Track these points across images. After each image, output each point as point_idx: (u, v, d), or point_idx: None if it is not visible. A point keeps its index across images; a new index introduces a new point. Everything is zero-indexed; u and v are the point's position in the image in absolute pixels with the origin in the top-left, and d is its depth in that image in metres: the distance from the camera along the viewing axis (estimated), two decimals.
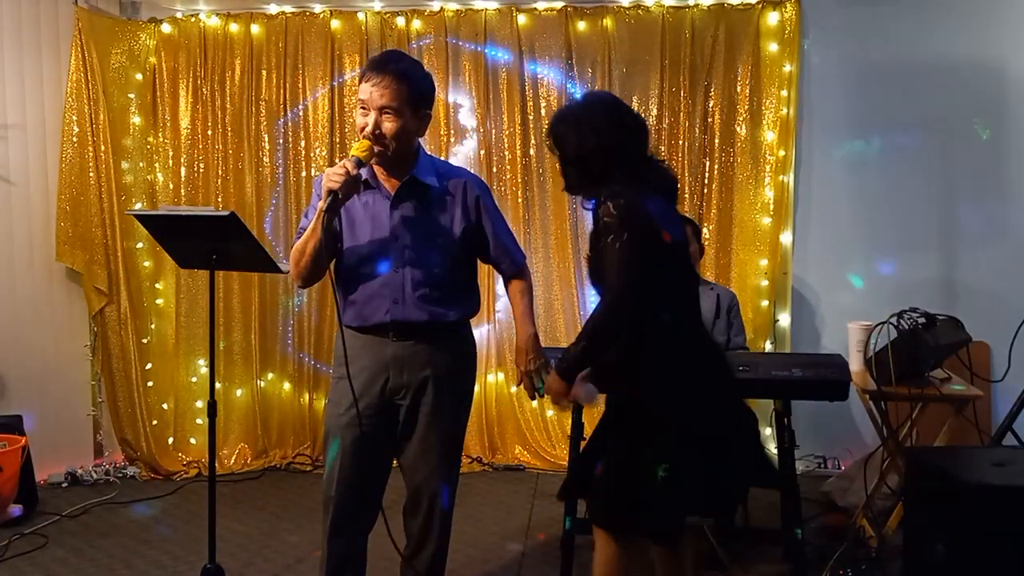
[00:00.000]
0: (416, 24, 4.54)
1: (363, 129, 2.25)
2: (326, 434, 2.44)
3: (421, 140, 2.46)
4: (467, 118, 4.57)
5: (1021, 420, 3.20)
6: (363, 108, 2.26)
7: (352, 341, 2.36)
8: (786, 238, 4.43)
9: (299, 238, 2.33)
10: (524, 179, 4.54)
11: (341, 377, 2.35)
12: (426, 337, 2.36)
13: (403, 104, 2.24)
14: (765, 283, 4.40)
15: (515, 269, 2.52)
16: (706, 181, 4.45)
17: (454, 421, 2.44)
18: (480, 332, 4.59)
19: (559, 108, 2.59)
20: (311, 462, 4.55)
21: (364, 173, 2.31)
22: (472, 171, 4.53)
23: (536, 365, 2.45)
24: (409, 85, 2.25)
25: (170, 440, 4.63)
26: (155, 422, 4.58)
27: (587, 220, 4.53)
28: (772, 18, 4.38)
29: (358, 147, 2.25)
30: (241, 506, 3.99)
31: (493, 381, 4.62)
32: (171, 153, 4.64)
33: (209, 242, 2.81)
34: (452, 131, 4.56)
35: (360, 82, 2.28)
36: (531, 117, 4.54)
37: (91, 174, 4.38)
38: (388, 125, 2.24)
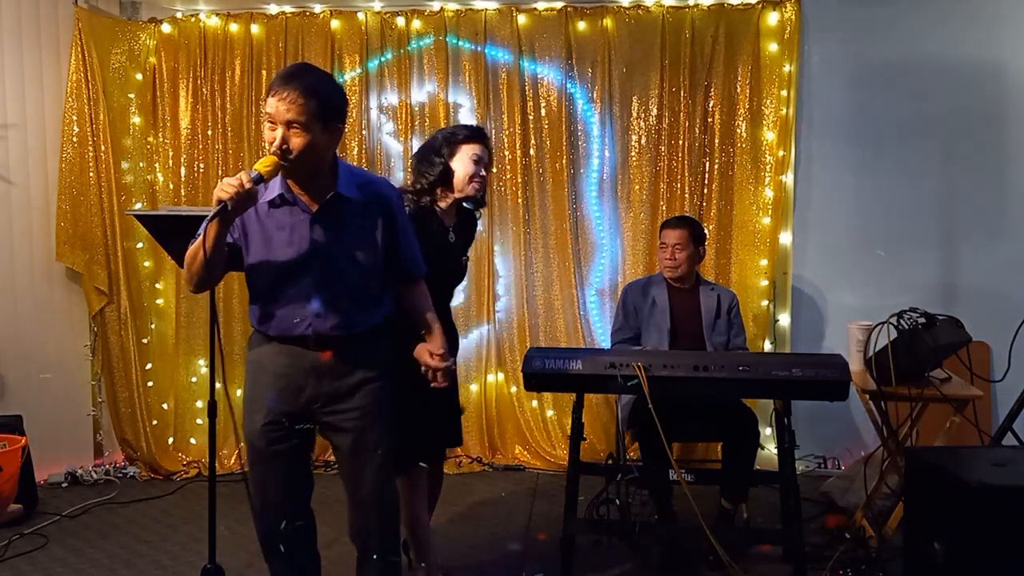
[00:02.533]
0: (416, 24, 4.54)
1: (271, 142, 2.20)
2: (247, 442, 2.44)
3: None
4: (467, 118, 4.56)
5: (1021, 420, 3.20)
6: (270, 122, 2.19)
7: (269, 347, 2.37)
8: (786, 238, 4.43)
9: (194, 241, 2.25)
10: (524, 179, 4.54)
11: (254, 383, 2.40)
12: (346, 347, 2.35)
13: (311, 119, 2.18)
14: (765, 283, 4.40)
15: (420, 277, 2.56)
16: (706, 181, 4.45)
17: (383, 422, 2.41)
18: (480, 332, 4.60)
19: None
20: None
21: (278, 187, 2.28)
22: None
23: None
24: (317, 99, 2.18)
25: (170, 440, 4.63)
26: (155, 422, 4.58)
27: (588, 220, 4.56)
28: (772, 18, 4.38)
29: (262, 162, 2.19)
30: (241, 506, 3.97)
31: (493, 381, 4.61)
32: (171, 153, 4.64)
33: None
34: None
35: (266, 96, 2.22)
36: (531, 117, 4.53)
37: (91, 174, 4.39)
38: (296, 140, 2.18)
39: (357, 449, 2.40)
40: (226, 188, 2.11)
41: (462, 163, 2.85)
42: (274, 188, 2.30)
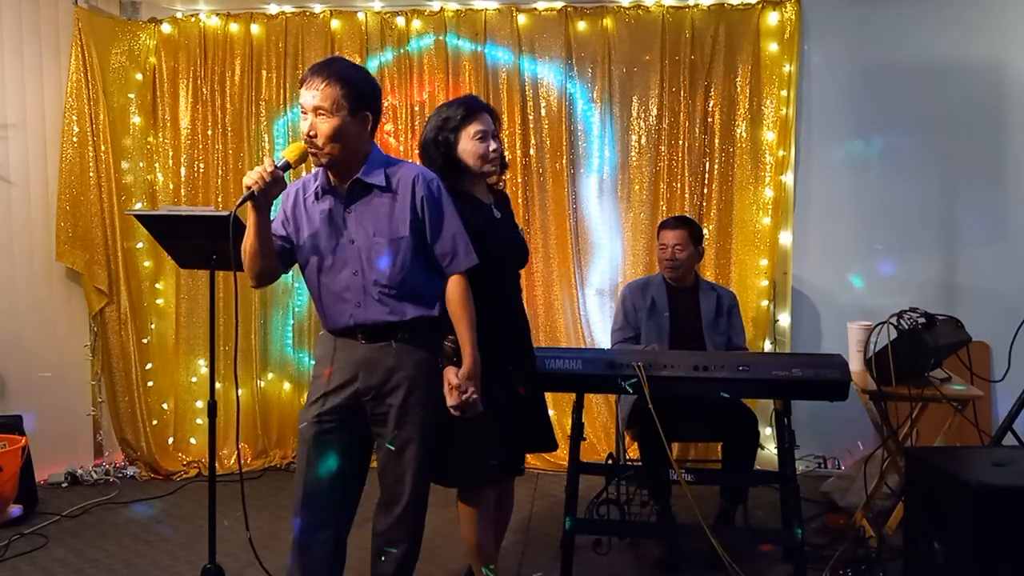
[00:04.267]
0: (416, 24, 4.55)
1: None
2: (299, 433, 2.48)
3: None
4: None
5: (1021, 420, 3.20)
6: (304, 113, 2.29)
7: (329, 342, 2.43)
8: (786, 238, 4.43)
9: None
10: (524, 179, 4.54)
11: (316, 376, 2.45)
12: (395, 338, 2.37)
13: (336, 105, 2.25)
14: (765, 283, 4.40)
15: (458, 270, 2.41)
16: (706, 181, 4.45)
17: (424, 421, 2.41)
18: None
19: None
20: None
21: (320, 179, 2.36)
22: None
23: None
24: (343, 85, 2.25)
25: (170, 440, 4.63)
26: (155, 422, 4.58)
27: (588, 220, 4.55)
28: (772, 18, 4.38)
29: (288, 149, 2.30)
30: (241, 506, 3.98)
31: None
32: (171, 153, 4.64)
33: (209, 242, 2.81)
34: None
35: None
36: (531, 117, 4.54)
37: (91, 174, 4.39)
38: (322, 126, 2.25)
39: (399, 446, 2.40)
40: (252, 175, 2.20)
41: (468, 149, 2.61)
42: (319, 181, 2.38)
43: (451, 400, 2.39)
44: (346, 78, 2.27)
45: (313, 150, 2.28)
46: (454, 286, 2.40)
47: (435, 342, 2.44)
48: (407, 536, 2.46)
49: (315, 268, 2.39)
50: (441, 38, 4.53)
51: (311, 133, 2.26)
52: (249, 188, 2.19)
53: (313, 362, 2.54)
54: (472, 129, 2.61)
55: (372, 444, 2.48)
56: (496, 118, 2.72)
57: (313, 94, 2.25)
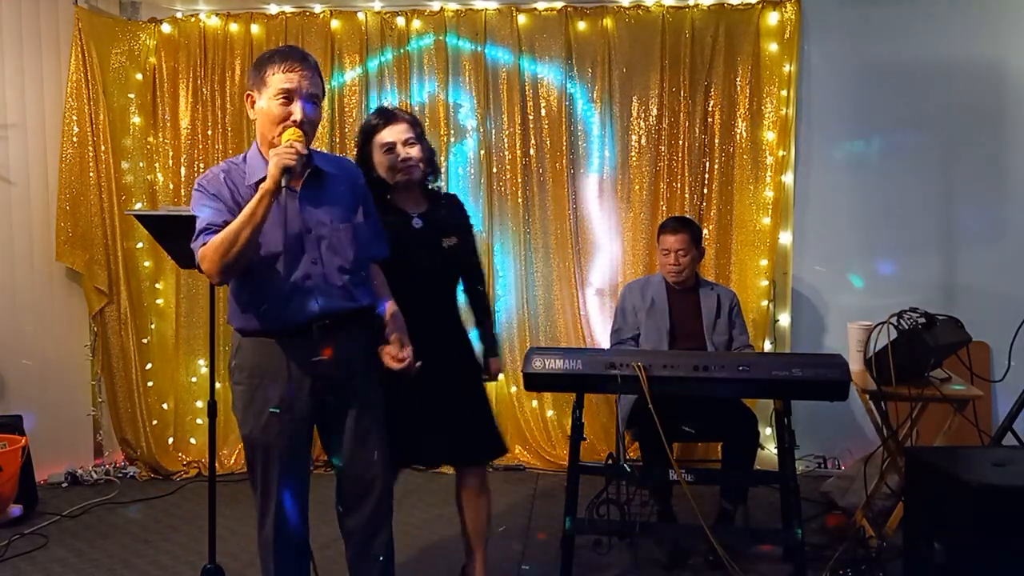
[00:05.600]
0: (416, 24, 4.55)
1: (287, 117, 2.21)
2: (252, 447, 2.39)
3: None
4: (467, 118, 4.57)
5: (1021, 420, 3.20)
6: (286, 97, 2.21)
7: (265, 346, 2.32)
8: (786, 238, 4.43)
9: (211, 234, 2.17)
10: (524, 179, 4.54)
11: (259, 387, 2.34)
12: (348, 327, 2.34)
13: (321, 92, 2.30)
14: (765, 283, 4.40)
15: (379, 258, 2.51)
16: (706, 181, 4.45)
17: (380, 406, 2.44)
18: None
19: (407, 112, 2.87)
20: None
21: (262, 170, 2.26)
22: (473, 172, 4.58)
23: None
24: (320, 76, 2.31)
25: (170, 440, 4.63)
26: (155, 422, 4.58)
27: (588, 220, 4.55)
28: (772, 18, 4.38)
29: (292, 134, 2.18)
30: (241, 506, 3.98)
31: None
32: (171, 153, 4.64)
33: None
34: (452, 131, 4.56)
35: (275, 72, 2.22)
36: (531, 117, 4.53)
37: (91, 174, 4.39)
38: (315, 115, 2.26)
39: (362, 434, 2.38)
40: (289, 154, 2.12)
41: (378, 162, 2.71)
42: (258, 171, 2.26)
43: (398, 365, 2.37)
44: (319, 69, 2.32)
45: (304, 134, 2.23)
46: (377, 271, 2.50)
47: (377, 330, 2.43)
48: (384, 523, 2.46)
49: (266, 261, 2.26)
50: (441, 38, 4.53)
51: (303, 119, 2.21)
52: (288, 168, 2.10)
53: (238, 364, 2.41)
54: (379, 141, 2.71)
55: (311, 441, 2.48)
56: (415, 124, 2.75)
57: (308, 81, 2.23)
